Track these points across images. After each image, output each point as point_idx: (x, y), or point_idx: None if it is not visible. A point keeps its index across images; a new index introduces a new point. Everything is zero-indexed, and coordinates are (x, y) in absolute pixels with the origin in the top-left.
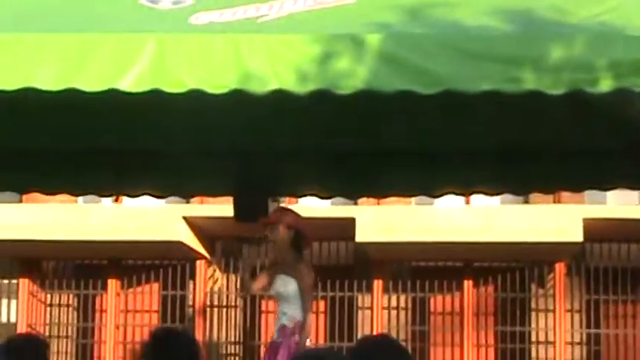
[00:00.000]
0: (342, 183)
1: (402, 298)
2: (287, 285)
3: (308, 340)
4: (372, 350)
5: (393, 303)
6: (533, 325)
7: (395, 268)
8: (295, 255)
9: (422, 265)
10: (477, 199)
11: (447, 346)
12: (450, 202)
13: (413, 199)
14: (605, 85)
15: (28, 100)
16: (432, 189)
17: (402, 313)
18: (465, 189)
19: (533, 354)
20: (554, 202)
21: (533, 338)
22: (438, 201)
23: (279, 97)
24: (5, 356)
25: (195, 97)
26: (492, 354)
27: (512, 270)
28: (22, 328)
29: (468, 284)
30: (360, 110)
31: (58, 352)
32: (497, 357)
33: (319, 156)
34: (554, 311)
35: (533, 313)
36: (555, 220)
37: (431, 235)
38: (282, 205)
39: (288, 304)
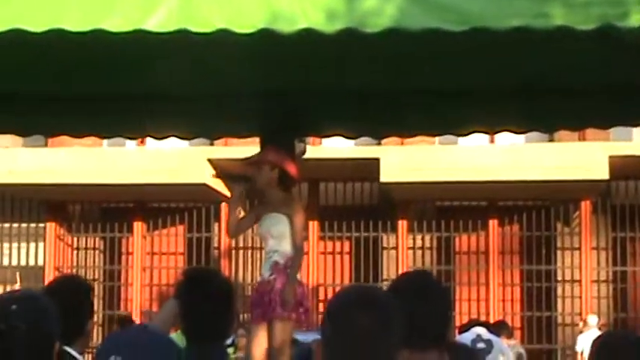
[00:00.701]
0: (367, 122)
1: (427, 237)
2: (278, 223)
3: (298, 276)
4: (412, 287)
5: (418, 243)
6: (559, 263)
7: (419, 208)
8: (284, 193)
9: (446, 204)
10: (501, 137)
11: (473, 285)
12: (475, 141)
13: (437, 139)
14: (636, 19)
15: (54, 42)
16: (457, 127)
17: (427, 253)
18: (491, 127)
19: (559, 292)
20: (580, 139)
21: (559, 276)
22: (462, 140)
23: (307, 36)
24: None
25: (222, 37)
26: (518, 292)
27: (538, 208)
28: (49, 271)
29: (492, 223)
30: (387, 49)
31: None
32: (523, 295)
33: (345, 95)
34: (579, 249)
35: (559, 252)
36: (581, 157)
37: (455, 174)
38: (269, 146)
39: (279, 242)
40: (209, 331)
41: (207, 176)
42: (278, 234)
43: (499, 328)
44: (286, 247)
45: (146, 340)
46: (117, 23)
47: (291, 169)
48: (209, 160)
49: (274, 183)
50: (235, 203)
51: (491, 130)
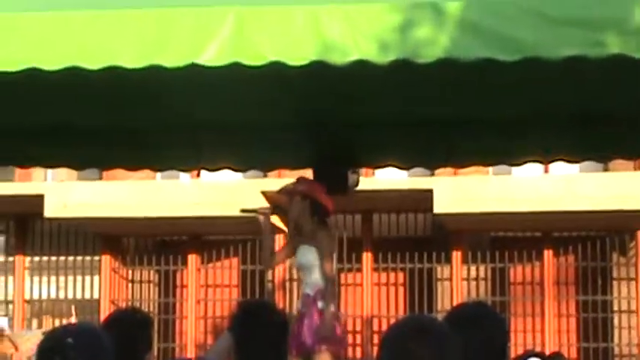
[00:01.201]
0: (421, 152)
1: (482, 268)
2: (306, 254)
3: (332, 306)
4: (469, 317)
5: (473, 274)
6: (615, 294)
7: (473, 239)
8: (315, 224)
9: (501, 235)
10: (556, 167)
11: (528, 317)
12: (529, 171)
13: (490, 169)
14: None
15: (110, 79)
16: (510, 157)
17: (482, 284)
18: (545, 157)
19: (616, 323)
20: (635, 168)
21: (615, 307)
22: (515, 170)
23: (359, 67)
24: (108, 329)
25: (275, 69)
26: (574, 323)
27: (593, 239)
28: (104, 305)
29: (547, 254)
30: (439, 79)
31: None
32: (579, 326)
33: (398, 126)
34: (636, 279)
35: (615, 282)
36: (636, 187)
37: (509, 205)
38: (302, 176)
39: (309, 274)
40: None
41: None
42: (307, 265)
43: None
44: (316, 278)
45: None
46: (171, 58)
47: (324, 199)
48: (263, 193)
49: (306, 214)
50: (265, 234)
51: (545, 160)
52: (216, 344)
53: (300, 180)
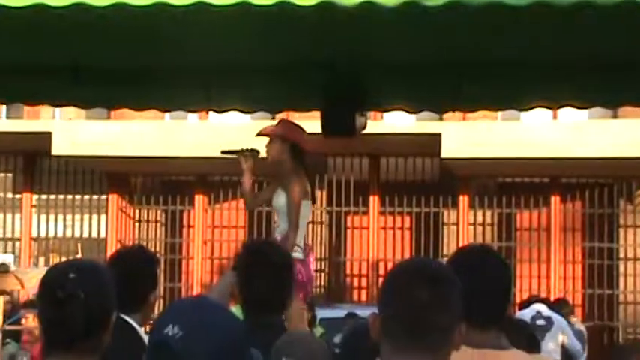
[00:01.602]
0: (429, 96)
1: (488, 214)
2: (279, 198)
3: (296, 253)
4: (472, 261)
5: (479, 219)
6: (622, 241)
7: (481, 184)
8: (293, 168)
9: (508, 180)
10: (564, 113)
11: (534, 262)
12: (537, 116)
13: (499, 114)
14: None
15: (117, 16)
16: (519, 102)
17: (488, 229)
18: (554, 102)
19: (621, 270)
20: None
21: (621, 254)
22: (524, 116)
23: (368, 8)
24: (113, 268)
25: (283, 9)
26: (579, 270)
27: (600, 185)
28: (111, 244)
29: (554, 200)
30: (446, 21)
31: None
32: (585, 273)
33: (406, 69)
34: None
35: (621, 229)
36: None
37: (517, 150)
38: (285, 119)
39: (281, 217)
40: (268, 303)
41: None
42: (278, 209)
43: (559, 306)
44: (284, 222)
45: (204, 309)
46: None
47: (304, 143)
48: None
49: (285, 156)
50: (246, 176)
51: (554, 106)
52: (219, 283)
53: (282, 122)
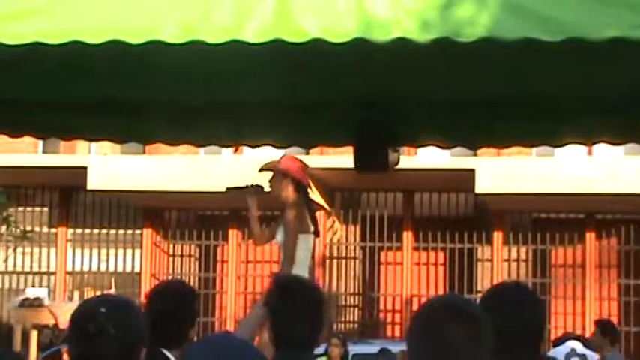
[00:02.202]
0: (463, 132)
1: (523, 249)
2: (279, 233)
3: None
4: (506, 299)
5: (514, 255)
6: None
7: (515, 220)
8: (295, 203)
9: (543, 216)
10: (599, 149)
11: (569, 299)
12: (572, 152)
13: (533, 150)
14: None
15: (152, 53)
16: (553, 139)
17: (523, 265)
18: (588, 139)
19: None
20: None
21: None
22: (559, 152)
23: (401, 45)
24: (154, 301)
25: (317, 46)
26: (615, 307)
27: (636, 221)
28: (145, 278)
29: (589, 236)
30: (480, 57)
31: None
32: (620, 310)
33: (440, 104)
34: None
35: None
36: None
37: (552, 186)
38: (289, 154)
39: (282, 252)
40: (297, 338)
41: None
42: (280, 244)
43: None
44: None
45: (228, 347)
46: (212, 34)
47: (304, 178)
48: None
49: (288, 191)
50: (252, 212)
51: (588, 142)
52: (247, 318)
53: (285, 158)
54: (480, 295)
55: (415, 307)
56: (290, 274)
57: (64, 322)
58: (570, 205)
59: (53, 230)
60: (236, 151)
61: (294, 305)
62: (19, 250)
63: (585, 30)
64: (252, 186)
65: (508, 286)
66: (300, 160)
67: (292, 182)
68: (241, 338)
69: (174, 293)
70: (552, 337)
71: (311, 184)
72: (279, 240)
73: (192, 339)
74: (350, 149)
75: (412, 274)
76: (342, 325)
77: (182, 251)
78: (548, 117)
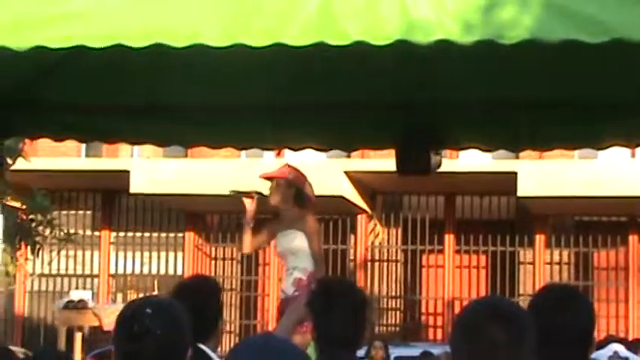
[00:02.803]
0: (505, 135)
1: (565, 253)
2: (294, 240)
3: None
4: (555, 301)
5: (556, 258)
6: None
7: (557, 223)
8: (299, 211)
9: (585, 219)
10: None
11: (612, 302)
12: (615, 154)
13: (576, 152)
14: None
15: (194, 56)
16: (596, 141)
17: (565, 268)
18: (630, 140)
19: None
20: None
21: None
22: (601, 154)
23: (443, 47)
24: (179, 299)
25: (359, 48)
26: None
27: None
28: None
29: (633, 239)
30: (523, 59)
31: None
32: None
33: (482, 107)
34: None
35: None
36: None
37: (594, 189)
38: (288, 163)
39: (297, 258)
40: (341, 340)
41: (344, 189)
42: (296, 250)
43: (638, 346)
44: (306, 263)
45: (271, 347)
46: (255, 37)
47: (308, 190)
48: (346, 173)
49: (290, 201)
50: (248, 218)
51: (631, 144)
52: (287, 317)
53: (287, 167)
54: (521, 298)
55: (457, 310)
56: (330, 276)
57: (107, 324)
58: (613, 207)
59: (96, 233)
60: (278, 154)
61: (337, 306)
62: (63, 253)
63: (628, 31)
64: (255, 192)
65: (557, 287)
66: (300, 171)
67: (295, 192)
68: (283, 338)
69: (200, 288)
70: (595, 340)
71: (312, 198)
72: (290, 246)
73: (222, 330)
74: (392, 152)
75: (454, 277)
76: (384, 328)
77: (224, 254)
78: (591, 119)
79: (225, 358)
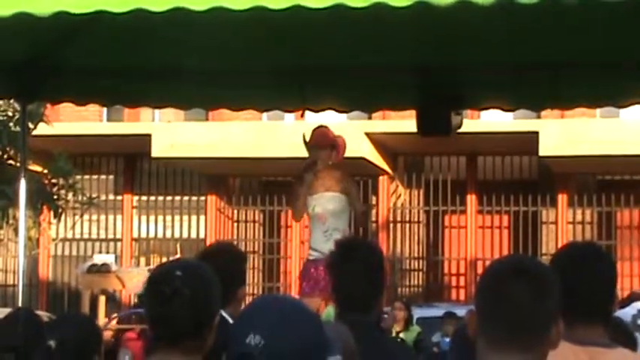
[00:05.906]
0: (526, 94)
1: (588, 212)
2: (335, 201)
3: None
4: (578, 258)
5: (578, 217)
6: None
7: (580, 182)
8: (339, 172)
9: (608, 178)
10: None
11: (635, 261)
12: (637, 113)
13: (598, 111)
14: None
15: (215, 19)
16: (618, 99)
17: (588, 228)
18: None
19: None
20: None
21: None
22: (623, 112)
23: (462, 6)
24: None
25: (379, 10)
26: None
27: None
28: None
29: None
30: (542, 19)
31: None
32: None
33: (503, 67)
34: None
35: None
36: None
37: (617, 147)
38: (321, 125)
39: (338, 220)
40: (358, 302)
41: (365, 150)
42: (337, 212)
43: None
44: (344, 223)
45: (284, 313)
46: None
47: (341, 149)
48: (367, 134)
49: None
50: (305, 189)
51: None
52: None
53: (327, 130)
54: (544, 258)
55: (479, 270)
56: (350, 237)
57: (131, 287)
58: (635, 166)
59: (119, 197)
60: (300, 116)
61: (356, 266)
62: (86, 217)
63: None
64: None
65: (580, 245)
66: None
67: (336, 156)
68: (293, 298)
69: (224, 255)
70: (618, 298)
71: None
72: (330, 208)
73: (243, 299)
74: (413, 113)
75: (476, 238)
76: (407, 290)
77: (246, 217)
78: (612, 77)
79: (238, 319)
